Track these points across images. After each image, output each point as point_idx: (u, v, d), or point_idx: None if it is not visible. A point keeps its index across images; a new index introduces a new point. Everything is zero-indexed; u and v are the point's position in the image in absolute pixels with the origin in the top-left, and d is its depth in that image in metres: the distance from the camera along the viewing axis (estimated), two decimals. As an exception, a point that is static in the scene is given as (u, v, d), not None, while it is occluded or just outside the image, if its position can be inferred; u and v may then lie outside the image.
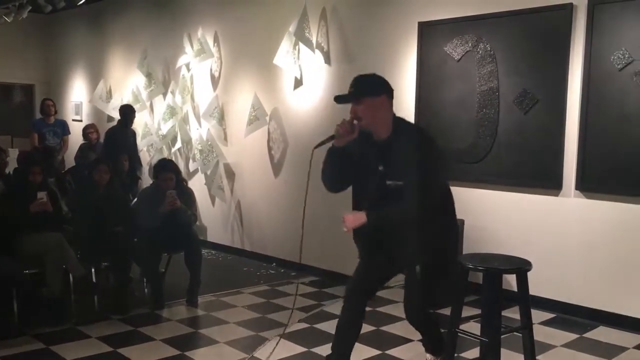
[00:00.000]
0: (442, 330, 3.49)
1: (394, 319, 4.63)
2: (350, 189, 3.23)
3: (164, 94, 7.88)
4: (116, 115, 8.67)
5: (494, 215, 5.01)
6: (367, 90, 2.96)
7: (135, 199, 5.68)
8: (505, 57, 4.85)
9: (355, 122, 2.95)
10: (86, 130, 7.55)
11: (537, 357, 3.32)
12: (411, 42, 5.39)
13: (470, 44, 5.02)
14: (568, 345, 4.13)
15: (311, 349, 4.01)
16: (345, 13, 5.84)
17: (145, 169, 7.91)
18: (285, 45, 6.08)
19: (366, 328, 4.40)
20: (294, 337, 4.24)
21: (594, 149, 4.48)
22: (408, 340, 4.18)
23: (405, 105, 5.45)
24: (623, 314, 4.42)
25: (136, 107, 8.23)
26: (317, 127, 6.04)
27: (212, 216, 7.34)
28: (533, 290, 3.34)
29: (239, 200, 7.00)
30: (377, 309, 4.88)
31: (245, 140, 6.78)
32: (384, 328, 4.45)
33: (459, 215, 5.02)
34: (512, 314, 4.22)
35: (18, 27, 9.53)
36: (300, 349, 4.01)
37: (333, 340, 3.22)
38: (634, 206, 4.35)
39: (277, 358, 3.84)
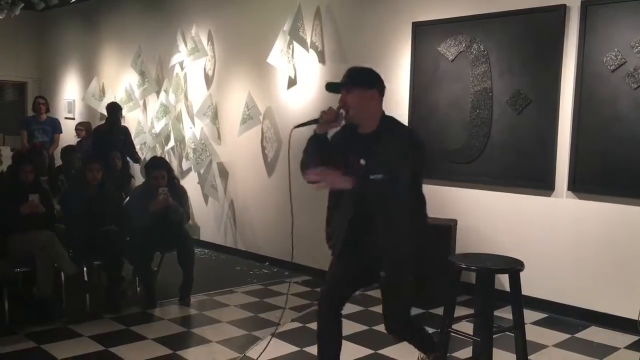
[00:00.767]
0: (431, 330, 3.49)
1: (386, 319, 4.63)
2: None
3: (158, 93, 7.85)
4: (109, 114, 8.67)
5: (486, 216, 5.03)
6: (359, 81, 2.92)
7: (127, 198, 5.66)
8: (499, 58, 4.86)
9: (342, 111, 2.90)
10: (76, 127, 7.55)
11: (529, 357, 3.33)
12: (405, 42, 5.40)
13: (463, 45, 5.04)
14: (560, 345, 4.15)
15: (303, 348, 4.00)
16: (339, 12, 5.84)
17: (138, 168, 7.88)
18: (279, 45, 6.08)
19: (358, 327, 4.42)
20: (286, 336, 4.24)
21: (587, 149, 4.50)
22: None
23: (399, 105, 5.46)
24: (614, 314, 4.44)
25: (129, 105, 8.22)
26: (311, 127, 6.03)
27: (205, 215, 7.33)
28: (525, 290, 3.35)
29: (232, 200, 6.99)
30: (370, 308, 4.88)
31: (239, 139, 6.77)
32: (377, 327, 4.45)
33: (452, 215, 5.12)
34: (504, 313, 4.24)
35: (10, 24, 9.49)
36: (292, 348, 4.01)
37: (317, 350, 3.10)
38: (626, 207, 4.37)
39: (270, 357, 3.83)
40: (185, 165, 7.46)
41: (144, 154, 7.90)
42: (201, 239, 7.33)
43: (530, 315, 4.49)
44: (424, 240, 2.99)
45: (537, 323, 4.54)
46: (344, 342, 4.10)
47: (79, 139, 8.06)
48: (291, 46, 6.07)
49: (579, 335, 4.33)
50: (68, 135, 8.74)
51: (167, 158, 7.09)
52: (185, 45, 7.28)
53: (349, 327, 4.44)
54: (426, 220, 3.04)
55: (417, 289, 3.03)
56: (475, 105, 5.00)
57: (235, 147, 6.89)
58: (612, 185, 4.40)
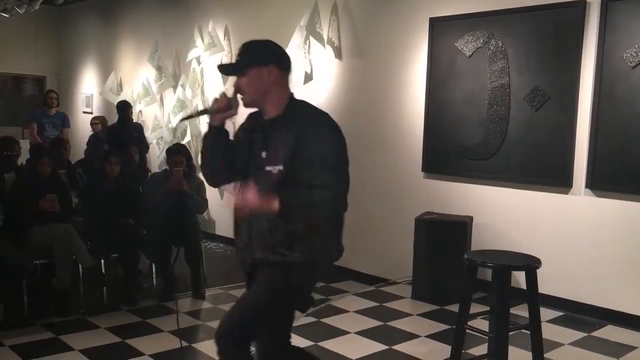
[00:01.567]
0: (447, 327, 3.46)
1: (400, 315, 4.64)
2: None
3: (174, 87, 7.89)
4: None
5: (503, 213, 4.99)
6: (251, 57, 2.41)
7: (146, 183, 5.76)
8: (517, 54, 4.82)
9: (237, 96, 2.41)
10: (91, 121, 7.62)
11: (544, 355, 3.31)
12: (422, 38, 5.37)
13: (481, 40, 5.00)
14: (576, 343, 4.12)
15: (318, 343, 4.02)
16: (356, 8, 5.82)
17: (156, 162, 7.94)
18: (296, 40, 6.07)
19: (373, 323, 4.42)
20: (300, 331, 4.25)
21: (605, 147, 4.45)
22: (415, 336, 4.18)
23: (415, 101, 5.44)
24: (632, 313, 4.39)
25: (147, 99, 8.28)
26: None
27: (220, 210, 7.36)
28: (541, 288, 3.32)
29: (247, 194, 7.00)
30: (384, 304, 4.88)
31: (255, 134, 6.79)
32: (391, 323, 4.45)
33: (468, 212, 5.10)
34: (520, 311, 4.22)
35: (30, 19, 9.58)
36: (307, 343, 4.02)
37: None
38: (644, 205, 4.32)
39: (284, 351, 3.84)
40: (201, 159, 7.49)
41: (161, 149, 7.94)
42: (216, 233, 7.36)
43: (546, 313, 4.47)
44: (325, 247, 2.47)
45: (553, 321, 4.51)
46: (358, 337, 4.15)
47: (93, 133, 8.10)
48: (308, 41, 6.07)
49: (595, 333, 4.30)
50: (83, 129, 8.82)
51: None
52: (202, 40, 7.31)
53: (363, 323, 4.45)
54: (334, 227, 2.52)
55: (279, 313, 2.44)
56: (493, 102, 4.96)
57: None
58: (630, 182, 4.35)
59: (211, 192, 7.16)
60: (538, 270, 3.15)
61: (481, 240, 4.97)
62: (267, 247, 2.36)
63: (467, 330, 3.22)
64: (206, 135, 2.47)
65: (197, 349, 3.93)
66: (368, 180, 5.71)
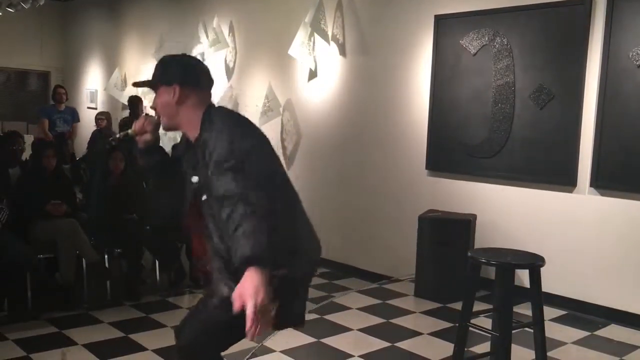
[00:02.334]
0: (450, 325, 3.47)
1: (403, 312, 4.64)
2: None
3: (179, 83, 7.89)
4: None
5: (506, 211, 4.99)
6: (159, 76, 2.21)
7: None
8: (522, 52, 4.81)
9: (156, 117, 2.25)
10: (96, 117, 7.62)
11: (548, 354, 3.31)
12: (427, 35, 5.36)
13: (486, 38, 4.99)
14: (579, 342, 4.11)
15: (320, 339, 4.02)
16: (361, 5, 5.81)
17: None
18: (301, 36, 6.07)
19: (376, 320, 4.42)
20: (304, 328, 4.25)
21: (610, 145, 4.44)
22: (418, 334, 4.18)
23: (420, 99, 5.43)
24: (636, 313, 4.38)
25: (151, 96, 8.28)
26: (330, 119, 6.04)
27: (224, 206, 7.36)
28: (545, 287, 3.32)
29: (251, 191, 7.01)
30: (387, 301, 4.88)
31: (259, 131, 6.79)
32: (394, 320, 4.45)
33: (471, 210, 5.09)
34: (523, 309, 4.22)
35: (35, 14, 9.61)
36: (310, 339, 4.02)
37: None
38: (649, 204, 4.31)
39: (288, 348, 3.85)
40: (205, 156, 7.50)
41: (164, 144, 7.95)
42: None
43: (549, 312, 4.45)
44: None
45: (556, 320, 4.51)
46: (361, 334, 4.15)
47: (98, 129, 8.10)
48: (312, 38, 6.06)
49: (598, 333, 4.29)
50: (88, 125, 8.83)
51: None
52: (207, 36, 7.31)
53: (366, 320, 4.45)
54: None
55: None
56: (497, 100, 4.95)
57: (255, 138, 6.90)
58: (635, 182, 4.33)
59: (215, 189, 7.18)
60: (542, 269, 3.15)
61: (485, 238, 4.96)
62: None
63: (470, 328, 3.22)
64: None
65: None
66: (371, 177, 5.71)
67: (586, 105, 4.54)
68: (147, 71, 8.44)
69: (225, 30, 7.17)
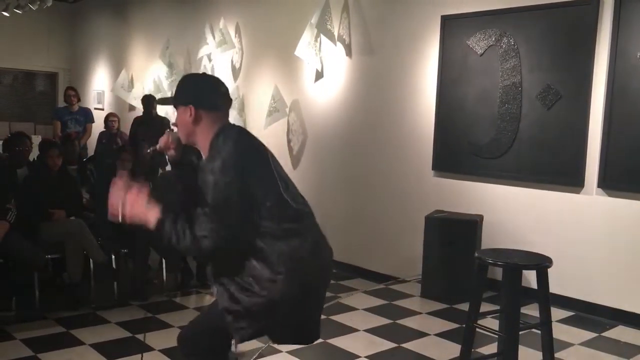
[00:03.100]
0: (457, 326, 3.46)
1: (410, 313, 4.63)
2: None
3: (185, 84, 7.91)
4: (138, 105, 8.77)
5: (513, 212, 4.97)
6: (176, 95, 2.34)
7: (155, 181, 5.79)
8: (529, 52, 4.80)
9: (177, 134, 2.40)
10: (108, 118, 7.61)
11: (555, 355, 3.29)
12: (433, 36, 5.35)
13: (493, 38, 4.98)
14: (586, 343, 4.09)
15: (327, 340, 4.02)
16: (367, 5, 5.81)
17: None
18: (307, 37, 6.07)
19: (382, 321, 4.42)
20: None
21: (618, 146, 4.42)
22: (425, 335, 4.18)
23: (426, 100, 5.43)
24: (643, 314, 4.37)
25: (157, 97, 8.30)
26: (337, 120, 6.04)
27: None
28: (552, 288, 3.31)
29: (257, 191, 7.02)
30: (393, 302, 4.87)
31: (265, 132, 6.79)
32: (400, 321, 4.45)
33: (478, 211, 5.08)
34: (530, 310, 4.21)
35: (42, 15, 9.65)
36: (316, 340, 4.02)
37: None
38: (657, 205, 4.29)
39: (294, 348, 3.85)
40: (211, 156, 7.51)
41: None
42: (226, 230, 7.38)
43: (556, 313, 4.43)
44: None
45: (563, 321, 4.49)
46: (367, 335, 4.15)
47: (108, 130, 8.08)
48: (318, 39, 6.07)
49: (606, 334, 4.27)
50: (95, 125, 8.84)
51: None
52: (213, 37, 7.33)
53: (373, 321, 4.45)
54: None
55: None
56: (504, 100, 4.94)
57: (261, 139, 6.84)
58: (643, 182, 4.32)
59: (221, 189, 7.20)
60: (549, 270, 3.14)
61: (491, 239, 4.95)
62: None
63: (477, 329, 3.21)
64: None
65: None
66: (378, 178, 5.71)
67: (594, 105, 4.53)
68: (153, 72, 8.48)
69: (232, 32, 7.18)
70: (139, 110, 8.42)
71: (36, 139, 7.68)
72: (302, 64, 6.33)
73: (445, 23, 5.26)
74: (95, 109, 10.13)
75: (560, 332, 4.16)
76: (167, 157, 2.48)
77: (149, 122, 7.32)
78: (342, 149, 6.02)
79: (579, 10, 4.53)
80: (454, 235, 4.86)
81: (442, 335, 4.18)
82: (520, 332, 3.09)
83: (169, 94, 8.20)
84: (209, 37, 7.38)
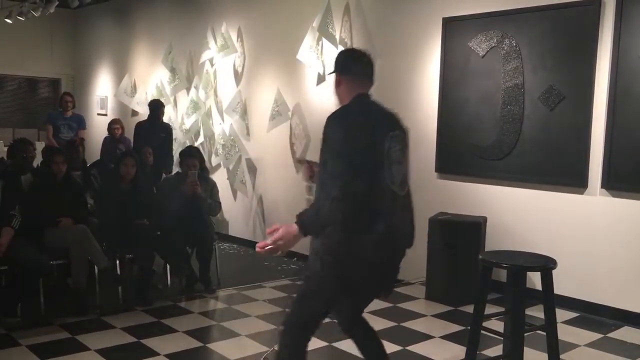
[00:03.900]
0: (461, 328, 3.44)
1: (415, 315, 4.63)
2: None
3: (188, 89, 7.94)
4: (140, 110, 8.79)
5: (517, 213, 4.97)
6: (334, 65, 2.95)
7: (159, 186, 5.82)
8: (531, 53, 4.80)
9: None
10: (111, 125, 7.60)
11: (560, 356, 3.29)
12: (435, 38, 5.36)
13: (495, 40, 4.98)
14: (592, 344, 4.08)
15: (332, 344, 4.02)
16: (368, 8, 5.82)
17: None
18: (309, 41, 6.09)
19: (387, 324, 4.41)
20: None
21: (621, 147, 4.41)
22: (429, 337, 4.17)
23: (429, 101, 5.43)
24: (649, 315, 4.36)
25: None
26: (339, 123, 6.04)
27: (234, 211, 7.39)
28: (557, 289, 3.31)
29: (261, 195, 7.04)
30: (398, 305, 4.87)
31: (268, 135, 6.81)
32: (405, 324, 4.44)
33: (482, 212, 5.07)
34: (535, 312, 4.20)
35: (45, 21, 9.69)
36: (321, 344, 4.02)
37: None
38: (661, 205, 4.28)
39: (298, 352, 3.86)
40: (214, 160, 7.53)
41: (175, 150, 7.98)
42: (230, 234, 7.39)
43: (562, 314, 4.44)
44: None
45: (568, 322, 4.48)
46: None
47: (112, 136, 8.06)
48: (320, 42, 6.08)
49: (611, 335, 4.26)
50: (98, 131, 8.88)
51: (197, 153, 7.15)
52: (215, 42, 7.35)
53: (377, 323, 4.44)
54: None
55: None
56: (507, 101, 4.94)
57: (264, 143, 6.93)
58: (647, 183, 4.31)
59: (224, 194, 7.20)
60: (554, 271, 3.13)
61: (495, 240, 4.94)
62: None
63: (482, 332, 3.21)
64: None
65: (212, 349, 3.95)
66: (381, 180, 5.70)
67: (596, 106, 4.52)
68: (156, 77, 8.50)
69: (234, 36, 7.20)
70: (142, 115, 8.44)
71: (40, 145, 7.70)
72: (304, 67, 6.34)
73: (446, 25, 5.26)
74: (98, 114, 10.16)
75: (566, 333, 4.15)
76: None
77: (154, 128, 7.31)
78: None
79: (581, 10, 4.53)
80: (458, 237, 4.86)
81: (447, 337, 4.17)
82: (525, 334, 3.09)
83: (171, 99, 8.23)
84: (211, 42, 7.40)
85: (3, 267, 4.31)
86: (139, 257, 4.95)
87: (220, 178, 7.27)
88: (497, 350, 3.69)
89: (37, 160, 5.88)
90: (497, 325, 3.42)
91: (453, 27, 5.23)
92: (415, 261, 5.35)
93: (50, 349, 3.85)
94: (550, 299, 3.15)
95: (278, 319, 4.55)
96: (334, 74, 2.77)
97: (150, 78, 8.78)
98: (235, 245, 7.17)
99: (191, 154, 5.35)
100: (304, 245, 6.69)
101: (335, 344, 4.01)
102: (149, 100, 7.70)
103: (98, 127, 9.77)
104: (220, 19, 7.35)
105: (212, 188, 5.44)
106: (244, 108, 7.11)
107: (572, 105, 4.63)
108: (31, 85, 11.35)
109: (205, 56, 7.49)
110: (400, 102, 5.63)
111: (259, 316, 4.61)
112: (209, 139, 7.66)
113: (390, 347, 3.97)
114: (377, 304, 4.90)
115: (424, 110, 5.47)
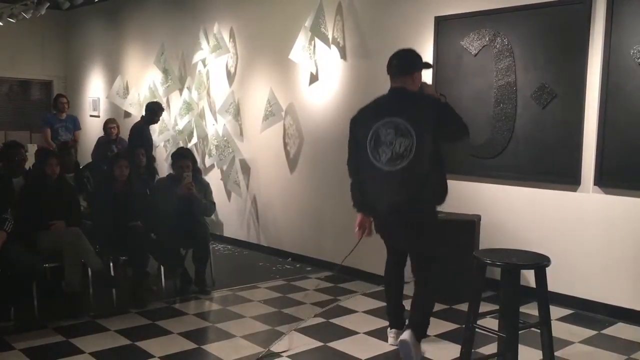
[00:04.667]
0: (456, 326, 3.46)
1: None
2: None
3: (181, 90, 7.92)
4: (133, 111, 8.76)
5: (511, 211, 4.98)
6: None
7: (152, 188, 5.79)
8: (523, 52, 4.81)
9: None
10: (108, 125, 7.55)
11: (555, 354, 3.30)
12: (427, 37, 5.36)
13: (487, 39, 4.99)
14: (586, 341, 4.10)
15: (327, 344, 4.02)
16: (361, 8, 5.82)
17: (164, 165, 7.95)
18: (301, 41, 6.08)
19: (382, 323, 4.42)
20: (310, 331, 4.26)
21: (613, 144, 4.43)
22: (424, 336, 4.16)
23: (422, 100, 5.43)
24: (642, 311, 4.38)
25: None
26: (332, 123, 6.04)
27: (228, 211, 7.38)
28: (551, 287, 3.32)
29: (254, 196, 7.03)
30: (393, 304, 4.87)
31: (261, 136, 6.80)
32: (400, 323, 4.44)
33: (475, 211, 5.09)
34: (529, 309, 4.21)
35: (36, 23, 9.64)
36: (316, 344, 4.02)
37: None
38: (653, 202, 4.30)
39: (294, 352, 3.86)
40: (208, 161, 7.51)
41: (168, 151, 7.97)
42: (224, 235, 7.38)
43: (556, 312, 4.45)
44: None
45: (563, 319, 4.50)
46: (367, 337, 4.15)
47: (107, 137, 8.00)
48: (313, 42, 6.07)
49: (605, 331, 4.28)
50: (90, 133, 8.84)
51: (190, 155, 7.13)
52: (208, 42, 7.33)
53: (372, 323, 4.45)
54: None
55: None
56: (499, 100, 4.95)
57: (258, 143, 6.92)
58: (639, 180, 4.32)
59: (218, 195, 7.18)
60: (547, 269, 3.14)
61: (489, 239, 4.96)
62: None
63: (476, 330, 3.22)
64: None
65: (207, 351, 3.94)
66: (375, 180, 5.71)
67: (588, 104, 4.54)
68: (149, 78, 8.48)
69: (226, 36, 7.19)
70: (135, 117, 8.41)
71: (32, 148, 7.67)
72: (297, 67, 6.34)
73: (439, 24, 5.27)
74: (91, 116, 10.13)
75: (560, 330, 4.17)
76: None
77: (149, 129, 7.28)
78: (339, 151, 6.00)
79: (572, 9, 4.55)
80: (452, 236, 4.85)
81: (441, 336, 4.18)
82: (520, 332, 3.10)
83: (164, 100, 8.21)
84: (204, 42, 7.38)
85: (-4, 270, 4.29)
86: (133, 259, 4.93)
87: (214, 179, 7.25)
88: (491, 348, 3.70)
89: (29, 163, 5.85)
90: (492, 323, 3.42)
91: (445, 26, 5.24)
92: (409, 260, 5.36)
93: (44, 353, 3.83)
94: (544, 297, 3.16)
95: (273, 319, 4.55)
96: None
97: (143, 79, 8.76)
98: (229, 246, 7.16)
99: (183, 155, 5.34)
100: (299, 246, 6.70)
101: (331, 344, 4.02)
102: (147, 102, 7.64)
103: (91, 129, 9.73)
104: (212, 19, 7.34)
105: (206, 189, 5.43)
106: (237, 109, 7.10)
107: (564, 103, 4.64)
108: (23, 87, 11.30)
109: (197, 57, 7.47)
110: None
111: (254, 317, 4.60)
112: (202, 140, 7.64)
113: (385, 347, 3.98)
114: (371, 304, 4.92)
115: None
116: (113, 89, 9.16)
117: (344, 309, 4.81)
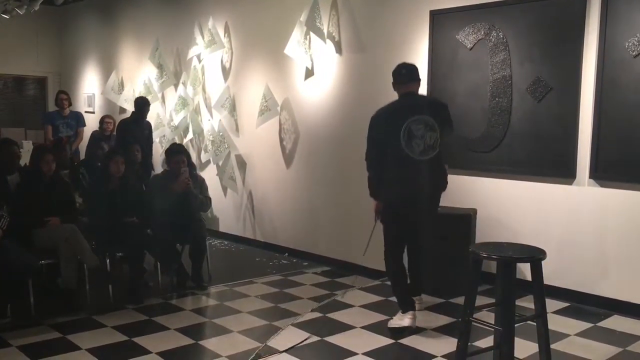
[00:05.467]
0: (452, 320, 3.46)
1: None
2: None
3: (176, 85, 7.90)
4: (128, 107, 8.73)
5: (506, 205, 4.99)
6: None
7: (148, 184, 5.78)
8: (518, 45, 4.81)
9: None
10: (105, 120, 7.53)
11: (551, 346, 3.31)
12: (423, 31, 5.36)
13: (482, 32, 4.98)
14: (582, 334, 4.12)
15: (324, 338, 4.02)
16: (356, 2, 5.81)
17: (159, 160, 7.93)
18: (296, 35, 6.07)
19: (379, 317, 4.43)
20: (307, 326, 4.27)
21: (609, 137, 4.44)
22: (421, 330, 4.18)
23: (417, 95, 5.42)
24: (637, 303, 4.39)
25: (148, 98, 8.27)
26: (328, 117, 6.03)
27: (224, 207, 7.37)
28: (547, 280, 3.33)
29: (250, 191, 7.02)
30: (389, 298, 4.88)
31: (257, 131, 6.79)
32: (397, 317, 4.45)
33: (472, 205, 5.10)
34: (525, 303, 4.23)
35: (30, 19, 9.59)
36: (314, 338, 4.03)
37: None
38: (649, 194, 4.31)
39: (291, 347, 3.86)
40: (204, 157, 7.50)
41: (164, 147, 7.95)
42: (220, 230, 7.38)
43: (552, 305, 4.46)
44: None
45: (559, 312, 4.51)
46: (364, 331, 4.16)
47: (100, 132, 7.99)
48: (308, 37, 6.06)
49: (601, 324, 4.30)
50: (86, 129, 8.78)
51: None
52: (203, 37, 7.30)
53: (369, 317, 4.46)
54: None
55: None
56: (495, 94, 4.95)
57: (254, 138, 6.91)
58: (634, 172, 4.33)
59: (214, 190, 7.18)
60: (543, 262, 3.15)
61: (485, 232, 4.96)
62: None
63: (473, 323, 3.22)
64: None
65: (204, 346, 3.94)
66: (371, 174, 5.71)
67: (584, 97, 4.55)
68: (143, 74, 8.45)
69: (221, 31, 7.16)
70: (130, 113, 8.37)
71: (27, 144, 7.65)
72: (293, 62, 6.32)
73: (434, 18, 5.26)
74: (86, 112, 10.07)
75: (556, 323, 4.18)
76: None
77: (140, 124, 7.26)
78: (335, 146, 6.02)
79: (567, 2, 4.55)
80: (448, 230, 4.87)
81: (438, 329, 4.19)
82: (516, 325, 3.10)
83: (159, 96, 8.19)
84: (198, 37, 7.35)
85: (-9, 267, 4.28)
86: (129, 256, 4.92)
87: (209, 174, 7.24)
88: (488, 341, 3.71)
89: (24, 159, 5.84)
90: (488, 316, 3.43)
91: (440, 20, 5.23)
92: (406, 255, 5.37)
93: (41, 349, 3.82)
94: (540, 290, 3.17)
95: (269, 314, 4.56)
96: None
97: (138, 75, 8.73)
98: (226, 242, 7.15)
99: (178, 151, 5.33)
100: (295, 241, 6.71)
101: (327, 339, 4.02)
102: (135, 98, 7.65)
103: (86, 124, 9.68)
104: (207, 14, 7.31)
105: (202, 184, 5.42)
106: (232, 104, 7.08)
107: (559, 96, 4.64)
108: (17, 84, 11.25)
109: (192, 52, 7.45)
110: (389, 96, 5.62)
111: (251, 312, 4.60)
112: (198, 136, 7.62)
113: (382, 341, 3.99)
114: (368, 298, 4.93)
115: (413, 103, 5.46)
116: (108, 84, 9.13)
117: (341, 303, 4.82)
